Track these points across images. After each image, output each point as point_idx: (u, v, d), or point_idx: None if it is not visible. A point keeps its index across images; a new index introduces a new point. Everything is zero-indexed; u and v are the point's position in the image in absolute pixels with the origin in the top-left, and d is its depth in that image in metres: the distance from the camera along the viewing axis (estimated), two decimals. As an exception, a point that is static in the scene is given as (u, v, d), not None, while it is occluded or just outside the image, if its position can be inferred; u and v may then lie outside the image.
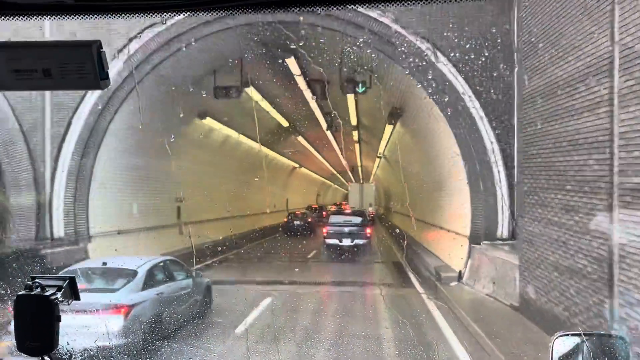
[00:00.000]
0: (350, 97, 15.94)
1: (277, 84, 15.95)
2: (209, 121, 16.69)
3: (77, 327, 5.91)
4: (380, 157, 26.23)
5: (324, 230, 18.23)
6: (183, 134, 15.82)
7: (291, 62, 13.18)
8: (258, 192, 25.43)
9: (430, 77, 10.70)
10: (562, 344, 1.68)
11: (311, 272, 14.86)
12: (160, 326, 6.78)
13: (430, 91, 10.87)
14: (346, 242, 17.19)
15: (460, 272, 10.99)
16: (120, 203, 14.00)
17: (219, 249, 15.35)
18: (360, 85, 13.78)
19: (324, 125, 21.03)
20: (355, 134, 24.03)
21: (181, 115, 14.14)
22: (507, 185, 10.51)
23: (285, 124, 20.80)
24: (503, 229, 10.74)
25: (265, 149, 24.52)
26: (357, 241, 17.24)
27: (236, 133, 19.27)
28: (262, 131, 19.98)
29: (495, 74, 10.24)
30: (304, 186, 43.31)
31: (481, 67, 10.36)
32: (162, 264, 7.60)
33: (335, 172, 46.21)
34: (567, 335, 1.69)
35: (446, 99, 10.69)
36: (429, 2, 1.21)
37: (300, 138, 25.21)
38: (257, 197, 25.28)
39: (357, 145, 28.00)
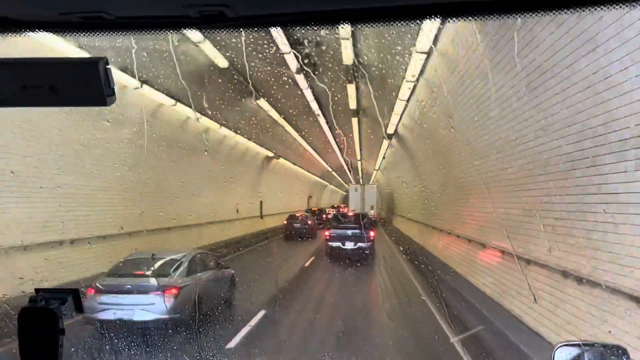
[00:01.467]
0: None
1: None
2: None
3: (139, 304, 7.53)
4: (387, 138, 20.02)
5: (326, 233, 18.23)
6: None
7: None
8: (206, 191, 18.51)
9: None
10: (563, 354, 1.71)
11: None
12: (200, 305, 8.35)
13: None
14: (349, 245, 17.15)
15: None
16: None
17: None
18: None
19: (314, 108, 16.01)
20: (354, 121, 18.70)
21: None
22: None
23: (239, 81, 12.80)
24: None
25: (208, 122, 15.88)
26: (360, 244, 17.17)
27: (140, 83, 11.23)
28: (194, 82, 12.21)
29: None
30: (289, 185, 35.67)
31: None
32: (198, 255, 9.16)
33: (330, 170, 40.30)
34: (568, 345, 1.74)
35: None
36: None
37: (273, 112, 16.62)
38: (206, 199, 18.38)
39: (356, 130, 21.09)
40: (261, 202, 27.41)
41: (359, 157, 31.94)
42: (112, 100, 1.13)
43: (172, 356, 6.81)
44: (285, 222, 25.31)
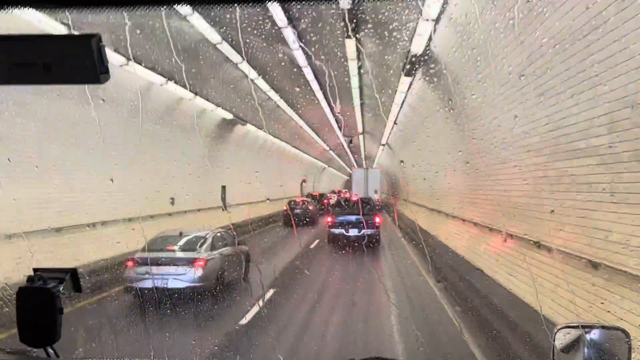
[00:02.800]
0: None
1: None
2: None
3: (172, 274, 8.77)
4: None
5: (329, 219, 17.16)
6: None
7: None
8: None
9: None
10: (564, 336, 1.71)
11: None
12: (222, 276, 9.60)
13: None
14: (353, 232, 16.13)
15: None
16: None
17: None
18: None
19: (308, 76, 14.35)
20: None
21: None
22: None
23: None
24: None
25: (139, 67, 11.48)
26: (365, 231, 16.03)
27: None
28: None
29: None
30: (275, 165, 29.66)
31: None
32: (219, 233, 10.39)
33: (330, 151, 37.31)
34: (569, 327, 1.73)
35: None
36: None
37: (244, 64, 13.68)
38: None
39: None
40: (223, 187, 20.23)
41: (361, 138, 30.21)
42: (106, 77, 1.11)
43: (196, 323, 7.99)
44: (285, 207, 24.64)
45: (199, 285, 8.86)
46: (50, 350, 1.57)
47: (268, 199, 24.53)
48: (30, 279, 1.49)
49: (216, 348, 6.50)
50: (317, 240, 18.14)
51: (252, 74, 14.91)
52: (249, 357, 6.20)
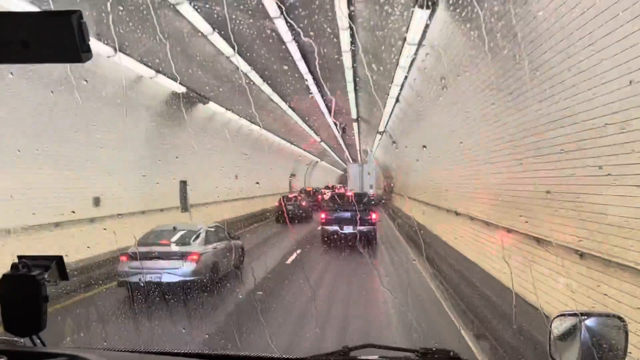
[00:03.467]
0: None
1: None
2: None
3: (165, 268, 8.82)
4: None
5: (322, 216, 16.01)
6: None
7: None
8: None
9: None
10: (561, 323, 1.71)
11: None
12: (216, 269, 9.66)
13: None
14: (348, 229, 15.15)
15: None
16: None
17: None
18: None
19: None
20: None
21: None
22: None
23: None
24: None
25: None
26: (360, 228, 15.16)
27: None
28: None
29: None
30: (256, 156, 25.70)
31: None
32: (213, 228, 10.43)
33: (322, 143, 35.28)
34: (565, 315, 1.72)
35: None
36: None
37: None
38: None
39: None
40: (182, 182, 17.07)
41: (355, 127, 27.57)
42: (88, 57, 1.07)
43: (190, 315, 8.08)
44: (277, 203, 24.04)
45: (193, 280, 8.91)
46: (36, 340, 1.54)
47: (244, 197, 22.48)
48: (14, 266, 1.44)
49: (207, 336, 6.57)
50: (304, 248, 15.75)
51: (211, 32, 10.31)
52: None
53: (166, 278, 8.78)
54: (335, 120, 25.99)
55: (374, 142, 31.13)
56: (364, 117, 24.80)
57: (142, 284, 8.65)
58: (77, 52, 1.05)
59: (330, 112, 22.39)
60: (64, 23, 1.03)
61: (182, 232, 9.79)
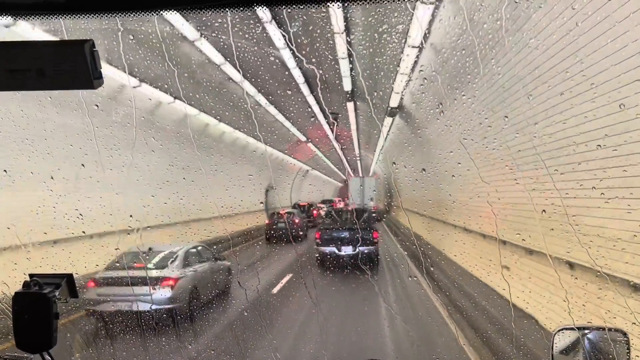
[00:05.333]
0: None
1: None
2: None
3: (137, 295, 7.90)
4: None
5: (317, 235, 13.99)
6: None
7: None
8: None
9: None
10: (562, 338, 1.69)
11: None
12: (196, 295, 8.73)
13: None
14: (346, 250, 13.36)
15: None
16: None
17: None
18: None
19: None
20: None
21: None
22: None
23: None
24: None
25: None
26: (361, 248, 13.33)
27: None
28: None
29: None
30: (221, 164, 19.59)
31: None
32: (194, 249, 9.53)
33: (320, 155, 32.57)
34: (567, 329, 1.71)
35: None
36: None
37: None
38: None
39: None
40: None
41: (356, 142, 27.21)
42: (100, 83, 1.13)
43: (167, 343, 7.18)
44: (267, 221, 21.55)
45: (168, 308, 7.98)
46: (46, 357, 1.59)
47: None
48: (26, 284, 1.49)
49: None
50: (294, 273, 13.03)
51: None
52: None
53: (138, 306, 7.85)
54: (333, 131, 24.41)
55: (375, 157, 31.03)
56: (364, 131, 24.16)
57: (109, 314, 7.73)
58: (90, 79, 1.12)
59: (332, 129, 21.98)
60: (78, 52, 1.10)
61: (158, 254, 8.87)
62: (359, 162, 38.20)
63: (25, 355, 1.56)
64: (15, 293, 1.45)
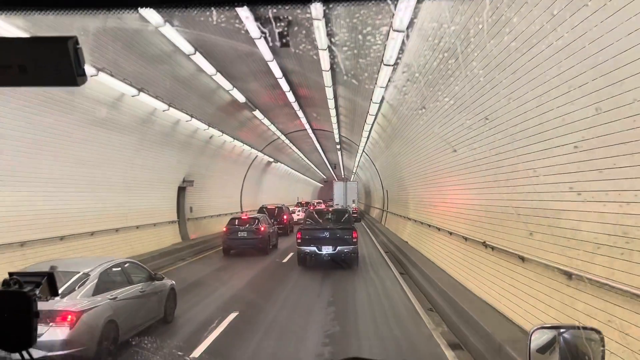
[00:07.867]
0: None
1: None
2: None
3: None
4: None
5: (298, 235, 14.52)
6: None
7: None
8: None
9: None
10: (540, 336, 1.70)
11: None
12: (115, 333, 6.29)
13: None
14: (327, 250, 14.00)
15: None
16: None
17: None
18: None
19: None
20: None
21: None
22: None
23: None
24: None
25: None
26: (341, 248, 13.98)
27: None
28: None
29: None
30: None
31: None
32: (117, 267, 7.06)
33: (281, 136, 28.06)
34: (544, 328, 1.73)
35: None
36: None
37: None
38: None
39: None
40: None
41: (337, 140, 27.49)
42: (83, 80, 1.10)
43: None
44: (225, 229, 17.65)
45: (66, 354, 5.51)
46: (26, 356, 1.52)
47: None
48: (5, 282, 1.47)
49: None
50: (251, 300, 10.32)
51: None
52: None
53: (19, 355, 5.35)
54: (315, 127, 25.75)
55: (355, 162, 33.19)
56: (345, 138, 26.52)
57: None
58: (73, 75, 1.10)
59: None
60: (61, 48, 1.08)
61: (59, 278, 6.37)
62: (341, 164, 40.87)
63: (5, 353, 1.46)
64: None
